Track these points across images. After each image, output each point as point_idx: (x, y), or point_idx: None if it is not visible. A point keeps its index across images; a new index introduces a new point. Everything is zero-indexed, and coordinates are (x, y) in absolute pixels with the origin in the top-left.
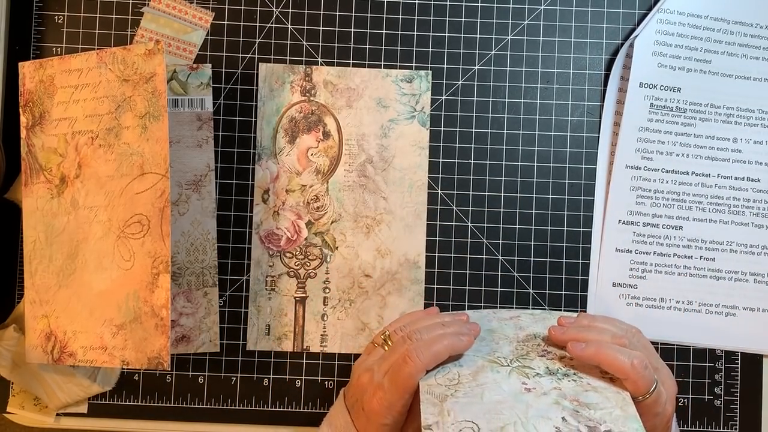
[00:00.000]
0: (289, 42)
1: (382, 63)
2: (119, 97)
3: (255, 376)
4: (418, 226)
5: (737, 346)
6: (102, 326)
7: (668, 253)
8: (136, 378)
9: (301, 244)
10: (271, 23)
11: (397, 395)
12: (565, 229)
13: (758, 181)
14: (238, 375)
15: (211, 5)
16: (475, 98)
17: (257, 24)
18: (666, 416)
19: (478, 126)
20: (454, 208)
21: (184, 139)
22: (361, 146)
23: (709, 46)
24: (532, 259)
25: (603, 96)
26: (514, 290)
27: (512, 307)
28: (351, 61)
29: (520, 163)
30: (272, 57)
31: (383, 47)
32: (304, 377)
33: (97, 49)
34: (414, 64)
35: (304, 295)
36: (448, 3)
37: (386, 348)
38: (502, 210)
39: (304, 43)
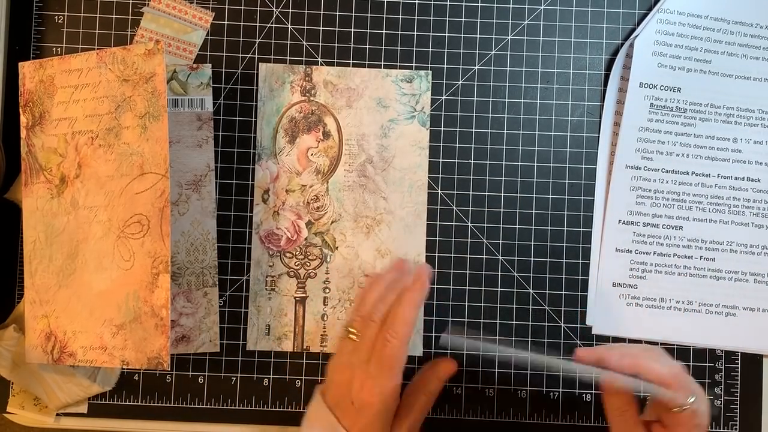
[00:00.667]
0: (289, 42)
1: (382, 63)
2: (119, 97)
3: (255, 376)
4: (418, 226)
5: (737, 346)
6: (102, 326)
7: (668, 253)
8: (136, 378)
9: (301, 244)
10: (271, 23)
11: (387, 378)
12: (565, 229)
13: (758, 181)
14: (238, 375)
15: (211, 5)
16: (475, 98)
17: (257, 24)
18: (703, 430)
19: (478, 126)
20: (454, 208)
21: (184, 139)
22: (361, 146)
23: (709, 46)
24: (532, 259)
25: (603, 96)
26: (514, 290)
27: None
28: (351, 61)
29: (520, 163)
30: (272, 57)
31: (383, 47)
32: (304, 377)
33: (97, 49)
34: (414, 64)
35: (304, 295)
36: (448, 3)
37: (355, 338)
38: (502, 210)
39: (304, 43)
